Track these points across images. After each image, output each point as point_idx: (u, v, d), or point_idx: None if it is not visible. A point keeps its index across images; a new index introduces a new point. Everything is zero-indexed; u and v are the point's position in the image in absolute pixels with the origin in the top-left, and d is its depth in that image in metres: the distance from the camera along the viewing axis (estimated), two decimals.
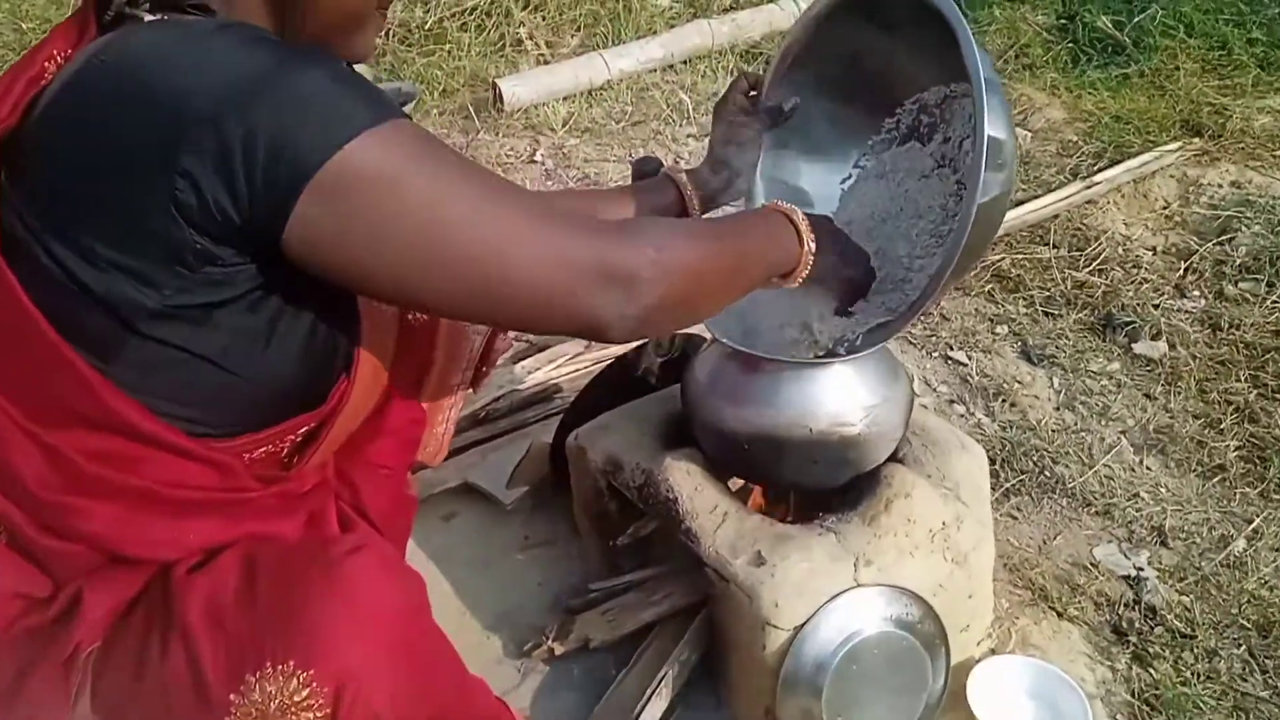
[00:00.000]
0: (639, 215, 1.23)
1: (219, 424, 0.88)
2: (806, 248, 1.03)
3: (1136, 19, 3.08)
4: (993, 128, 1.01)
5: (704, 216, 1.27)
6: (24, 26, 3.47)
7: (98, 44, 0.83)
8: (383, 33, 0.96)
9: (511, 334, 1.89)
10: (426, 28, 3.32)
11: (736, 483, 1.39)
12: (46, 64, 0.84)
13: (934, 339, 2.07)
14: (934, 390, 1.95)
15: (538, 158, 2.89)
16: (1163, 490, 1.71)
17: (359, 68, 1.27)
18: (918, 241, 1.27)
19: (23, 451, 0.82)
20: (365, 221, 0.76)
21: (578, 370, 1.92)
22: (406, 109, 3.00)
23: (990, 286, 2.21)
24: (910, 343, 2.05)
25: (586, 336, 0.87)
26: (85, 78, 0.80)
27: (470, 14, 3.36)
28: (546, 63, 3.31)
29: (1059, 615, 1.47)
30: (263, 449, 0.93)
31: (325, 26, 0.88)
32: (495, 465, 1.68)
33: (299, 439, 0.97)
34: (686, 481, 1.29)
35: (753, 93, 1.29)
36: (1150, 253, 2.32)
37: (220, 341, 0.83)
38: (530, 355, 1.95)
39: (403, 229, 0.77)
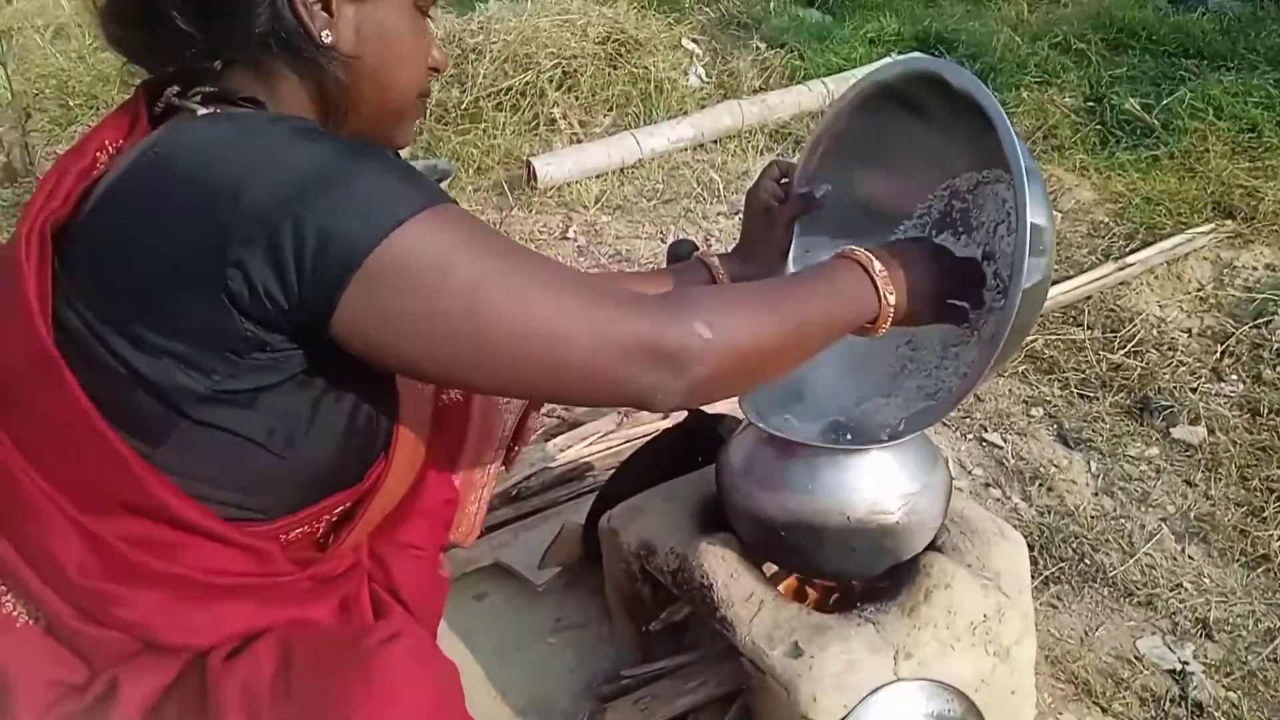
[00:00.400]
0: None
1: (259, 507, 0.88)
2: (885, 301, 0.99)
3: (1165, 101, 3.10)
4: (1035, 215, 1.01)
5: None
6: (71, 103, 3.57)
7: (152, 136, 0.84)
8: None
9: (543, 411, 1.89)
10: (463, 107, 3.39)
11: (771, 567, 1.37)
12: (98, 154, 0.86)
13: (968, 421, 2.06)
14: (969, 473, 1.92)
15: (570, 234, 2.92)
16: (1206, 580, 1.67)
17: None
18: (950, 329, 1.27)
19: (65, 538, 0.82)
20: (413, 306, 0.76)
21: (609, 449, 1.91)
22: (442, 185, 3.05)
23: (1024, 368, 2.20)
24: (944, 424, 2.03)
25: (637, 408, 0.87)
26: (140, 169, 0.82)
27: (506, 94, 3.43)
28: (579, 141, 3.37)
29: (1103, 711, 1.43)
30: (299, 530, 0.93)
31: (367, 118, 0.91)
32: (527, 545, 1.67)
33: (335, 518, 0.97)
34: (721, 568, 1.27)
35: (784, 180, 1.29)
36: (1185, 335, 2.31)
37: (265, 424, 0.83)
38: (562, 433, 1.95)
39: (450, 312, 0.77)
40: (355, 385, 0.88)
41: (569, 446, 1.90)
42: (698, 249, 1.35)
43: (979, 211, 1.29)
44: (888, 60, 3.54)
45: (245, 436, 0.83)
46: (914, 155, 1.30)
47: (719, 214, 3.01)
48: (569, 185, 3.13)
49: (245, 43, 0.86)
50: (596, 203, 3.06)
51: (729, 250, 1.33)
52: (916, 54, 3.63)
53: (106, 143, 0.87)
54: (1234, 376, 2.16)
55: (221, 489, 0.85)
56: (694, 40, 4.00)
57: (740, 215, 2.93)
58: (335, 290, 0.75)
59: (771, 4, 4.32)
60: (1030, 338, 2.26)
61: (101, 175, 0.85)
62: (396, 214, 0.75)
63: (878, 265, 0.99)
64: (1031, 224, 0.99)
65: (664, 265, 1.35)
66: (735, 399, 1.26)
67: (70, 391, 0.79)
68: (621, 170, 3.23)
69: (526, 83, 3.46)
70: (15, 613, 0.85)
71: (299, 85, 0.88)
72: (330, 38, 0.87)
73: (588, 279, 0.85)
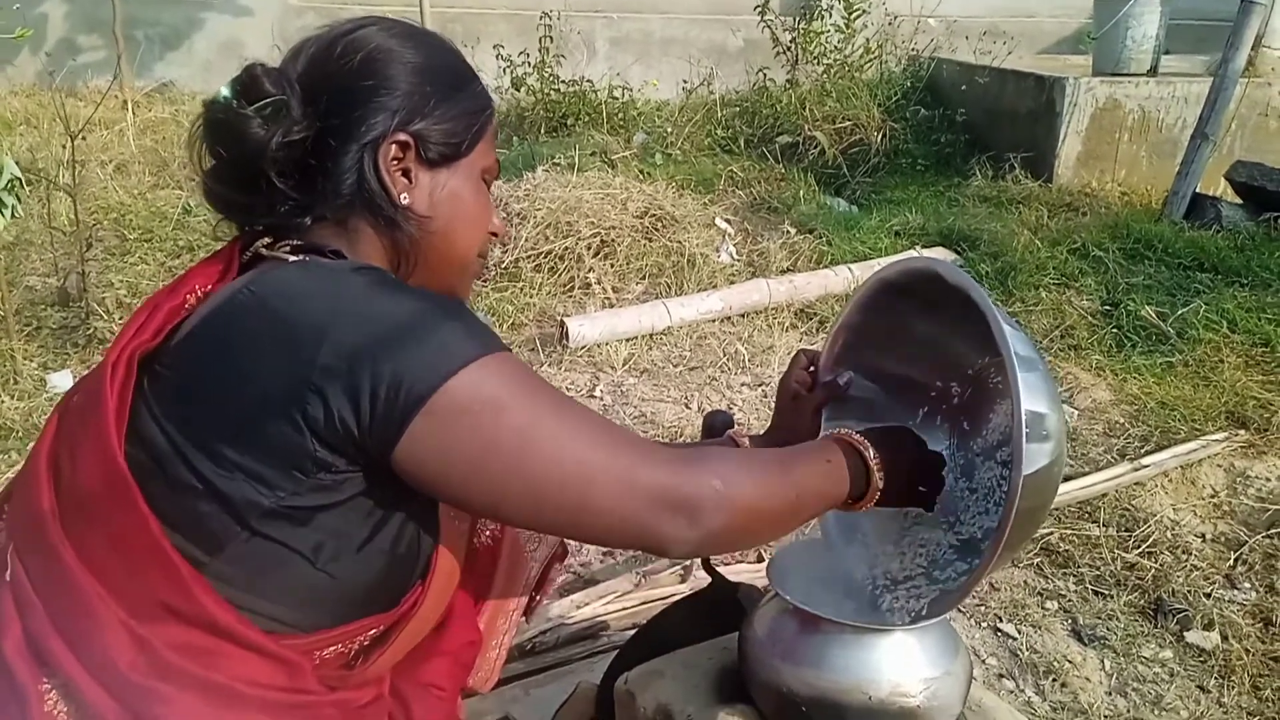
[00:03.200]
0: None
1: (298, 621, 0.92)
2: (874, 482, 1.08)
3: (1180, 311, 3.21)
4: (1031, 402, 1.05)
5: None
6: (127, 236, 3.73)
7: (247, 276, 0.94)
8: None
9: (564, 565, 1.91)
10: (504, 266, 3.54)
11: None
12: (189, 296, 0.95)
13: (983, 609, 2.07)
14: (983, 662, 1.92)
15: (597, 393, 2.99)
16: None
17: None
18: (971, 511, 1.31)
19: (116, 637, 0.86)
20: (468, 442, 0.85)
21: (625, 609, 1.92)
22: None
23: (1040, 560, 2.22)
24: (960, 611, 2.04)
25: (651, 552, 0.95)
26: (235, 304, 0.91)
27: (545, 257, 3.58)
28: (612, 306, 3.49)
29: None
30: (333, 647, 0.96)
31: (432, 271, 1.03)
32: (539, 701, 1.66)
33: (368, 640, 1.00)
34: None
35: (811, 368, 1.38)
36: (1199, 540, 2.33)
37: (316, 540, 0.89)
38: (580, 589, 1.96)
39: (500, 451, 0.86)
40: (403, 512, 0.95)
41: (586, 604, 1.92)
42: (733, 423, 1.42)
43: (993, 399, 1.35)
44: (899, 257, 3.69)
45: (296, 550, 0.89)
46: (930, 345, 1.38)
47: (743, 385, 3.09)
48: (599, 346, 3.22)
49: (332, 202, 0.97)
50: (625, 364, 3.15)
51: (761, 433, 1.40)
52: (915, 253, 3.78)
53: (197, 286, 0.96)
54: (1247, 584, 2.17)
55: (266, 600, 0.90)
56: (727, 220, 4.17)
57: (763, 387, 3.02)
58: (402, 424, 0.84)
59: (801, 191, 4.52)
60: (1045, 530, 2.29)
61: (191, 312, 0.94)
62: (459, 359, 0.85)
63: (872, 451, 1.09)
64: (1029, 411, 1.05)
65: (694, 431, 1.42)
66: (765, 570, 1.29)
67: (136, 505, 0.86)
68: (651, 336, 3.33)
69: (566, 248, 3.61)
70: (56, 710, 0.87)
71: (376, 239, 1.00)
72: (407, 199, 0.99)
73: (623, 431, 0.95)
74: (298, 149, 0.95)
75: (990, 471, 1.34)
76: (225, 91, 0.96)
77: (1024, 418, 1.04)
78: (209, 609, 0.86)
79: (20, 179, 2.48)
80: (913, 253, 3.79)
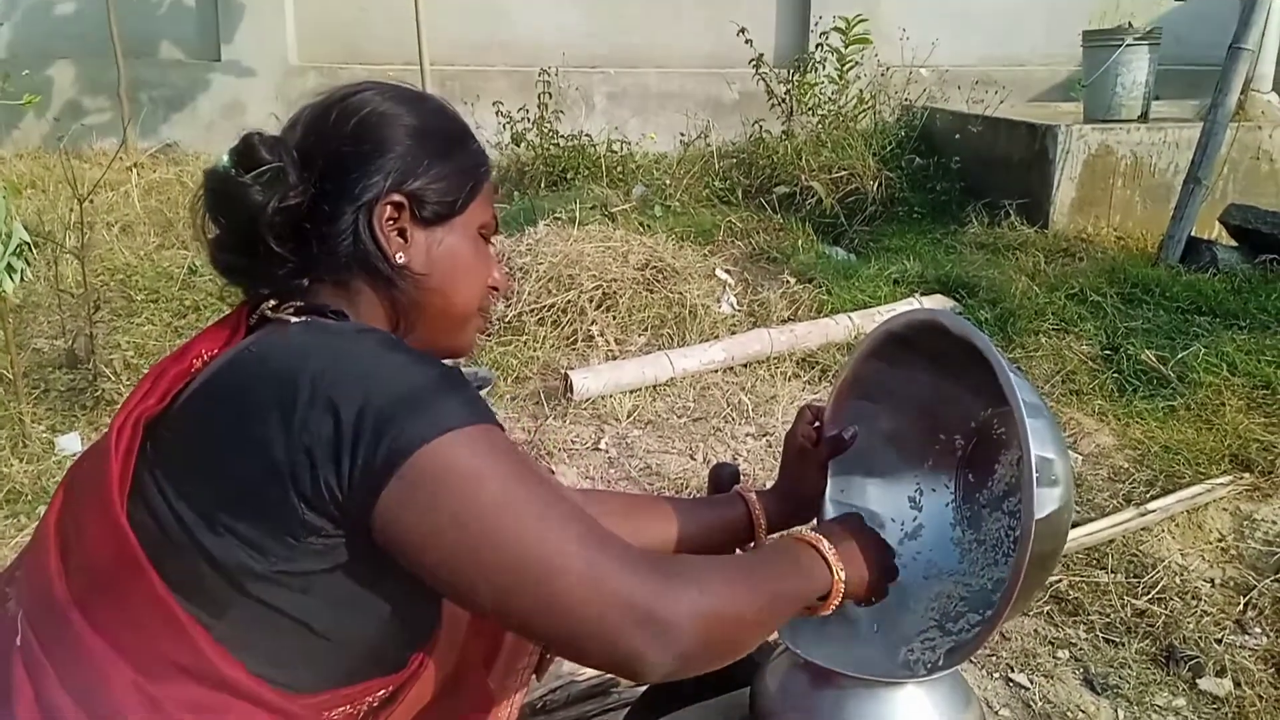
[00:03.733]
0: (708, 529, 1.34)
1: (305, 683, 0.92)
2: (837, 576, 1.10)
3: (1180, 355, 3.23)
4: (1040, 448, 1.07)
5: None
6: (135, 297, 3.76)
7: (250, 338, 0.96)
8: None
9: None
10: (507, 320, 3.57)
11: None
12: (195, 361, 0.97)
13: (994, 659, 2.06)
14: (996, 714, 1.91)
15: (602, 445, 3.00)
16: None
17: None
18: (980, 563, 1.32)
19: (128, 700, 0.86)
20: (440, 512, 0.84)
21: None
22: (482, 392, 3.17)
23: (1049, 608, 2.22)
24: (971, 662, 2.04)
25: (620, 674, 0.92)
26: (236, 364, 0.93)
27: (548, 310, 3.61)
28: (615, 358, 3.51)
29: None
30: (341, 708, 0.96)
31: (432, 327, 1.05)
32: None
33: (376, 701, 1.00)
34: None
35: (816, 423, 1.39)
36: (1209, 584, 2.33)
37: (315, 606, 0.89)
38: None
39: (469, 526, 0.84)
40: (401, 577, 0.93)
41: None
42: (739, 476, 1.43)
43: (997, 451, 1.37)
44: (902, 307, 3.72)
45: (292, 616, 0.89)
46: (934, 397, 1.40)
47: (747, 434, 3.10)
48: (603, 398, 3.24)
49: (331, 263, 1.00)
50: (629, 416, 3.16)
51: (767, 487, 1.42)
52: (915, 301, 3.81)
53: (204, 350, 0.97)
54: (1258, 629, 2.16)
55: (270, 663, 0.90)
56: (727, 270, 4.21)
57: (768, 437, 3.03)
58: (379, 484, 0.83)
59: (799, 241, 4.56)
60: (1055, 577, 2.29)
61: (196, 375, 0.96)
62: (444, 423, 0.85)
63: (826, 545, 1.11)
64: (1038, 456, 1.06)
65: (700, 482, 1.43)
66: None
67: (142, 569, 0.86)
68: (654, 387, 3.35)
69: (568, 301, 3.64)
70: None
71: (375, 298, 1.02)
72: (404, 258, 1.01)
73: (604, 530, 0.90)
74: (295, 213, 0.98)
75: (998, 522, 1.35)
76: (224, 161, 0.98)
77: (1034, 463, 1.05)
78: (219, 666, 0.87)
79: (30, 243, 2.51)
80: (913, 301, 3.82)
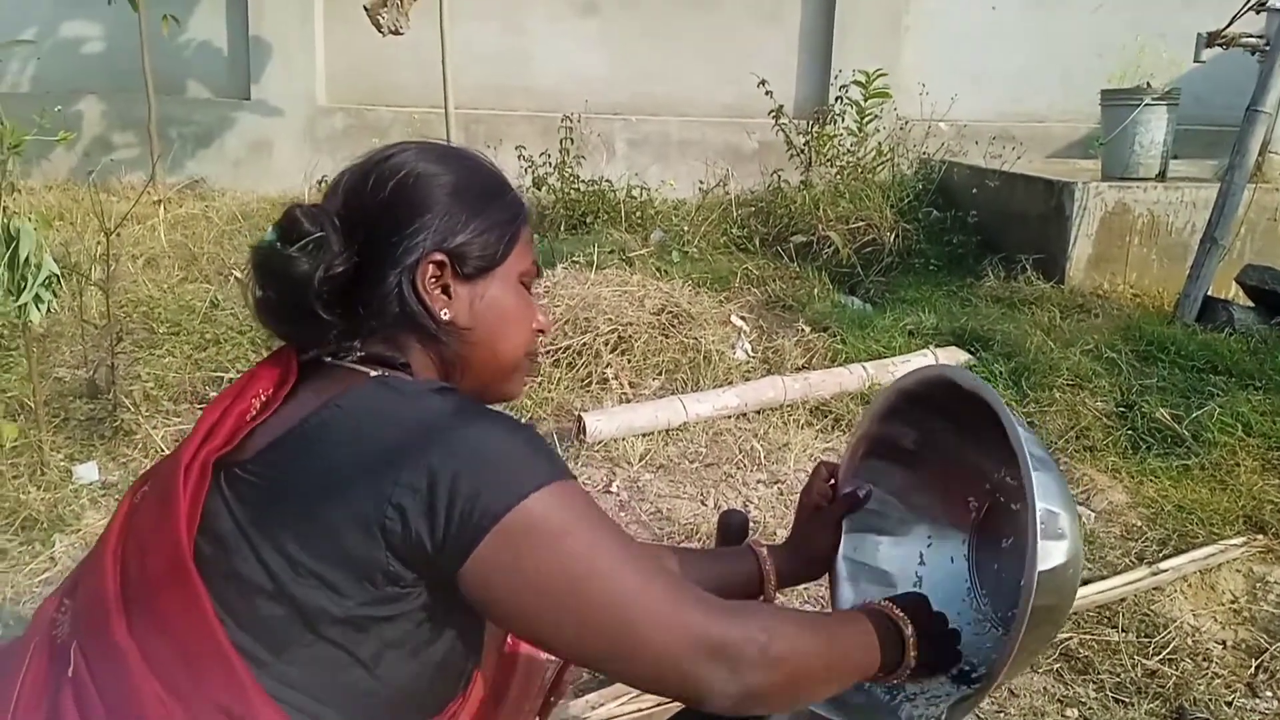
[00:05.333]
0: (718, 582, 1.34)
1: None
2: (909, 657, 1.11)
3: (1194, 414, 3.22)
4: (1045, 500, 1.07)
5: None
6: (156, 330, 3.81)
7: (329, 388, 0.99)
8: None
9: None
10: None
11: None
12: (253, 400, 1.00)
13: (1003, 716, 2.05)
14: None
15: (614, 488, 3.01)
16: None
17: None
18: (986, 622, 1.33)
19: None
20: (531, 566, 0.89)
21: (640, 710, 1.92)
22: None
23: (1059, 666, 2.20)
24: (979, 717, 2.02)
25: (690, 703, 0.96)
26: (324, 419, 0.95)
27: (564, 352, 3.64)
28: (629, 401, 3.53)
29: None
30: None
31: (481, 376, 1.09)
32: None
33: None
34: None
35: (831, 481, 1.41)
36: (1220, 646, 2.31)
37: (376, 650, 0.93)
38: (595, 689, 1.96)
39: (559, 577, 0.90)
40: (455, 628, 0.98)
41: (601, 704, 1.91)
42: (748, 523, 1.44)
43: (1010, 512, 1.37)
44: (916, 359, 3.73)
45: (356, 657, 0.92)
46: (948, 455, 1.41)
47: (759, 481, 3.10)
48: (616, 441, 3.25)
49: (379, 323, 1.03)
50: (641, 460, 3.17)
51: (779, 542, 1.43)
52: (929, 354, 3.81)
53: (260, 390, 1.01)
54: (1269, 693, 2.14)
55: (319, 702, 0.92)
56: (742, 317, 4.24)
57: (779, 485, 3.04)
58: (474, 542, 0.88)
59: (815, 290, 4.59)
60: (1065, 635, 2.28)
61: (259, 415, 0.99)
62: (532, 483, 0.89)
63: (909, 630, 1.12)
64: (1043, 509, 1.07)
65: (710, 528, 1.45)
66: None
67: (202, 607, 0.89)
68: (667, 431, 3.36)
69: (584, 344, 3.67)
70: None
71: (424, 353, 1.05)
72: (448, 315, 1.05)
73: (674, 574, 0.99)
74: (341, 280, 1.01)
75: (1009, 582, 1.35)
76: (269, 235, 1.02)
77: (1038, 514, 1.06)
78: (261, 713, 0.88)
79: (58, 275, 2.55)
80: (926, 354, 3.83)
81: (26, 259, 2.50)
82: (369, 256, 1.02)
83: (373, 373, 0.99)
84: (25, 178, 5.17)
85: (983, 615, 1.36)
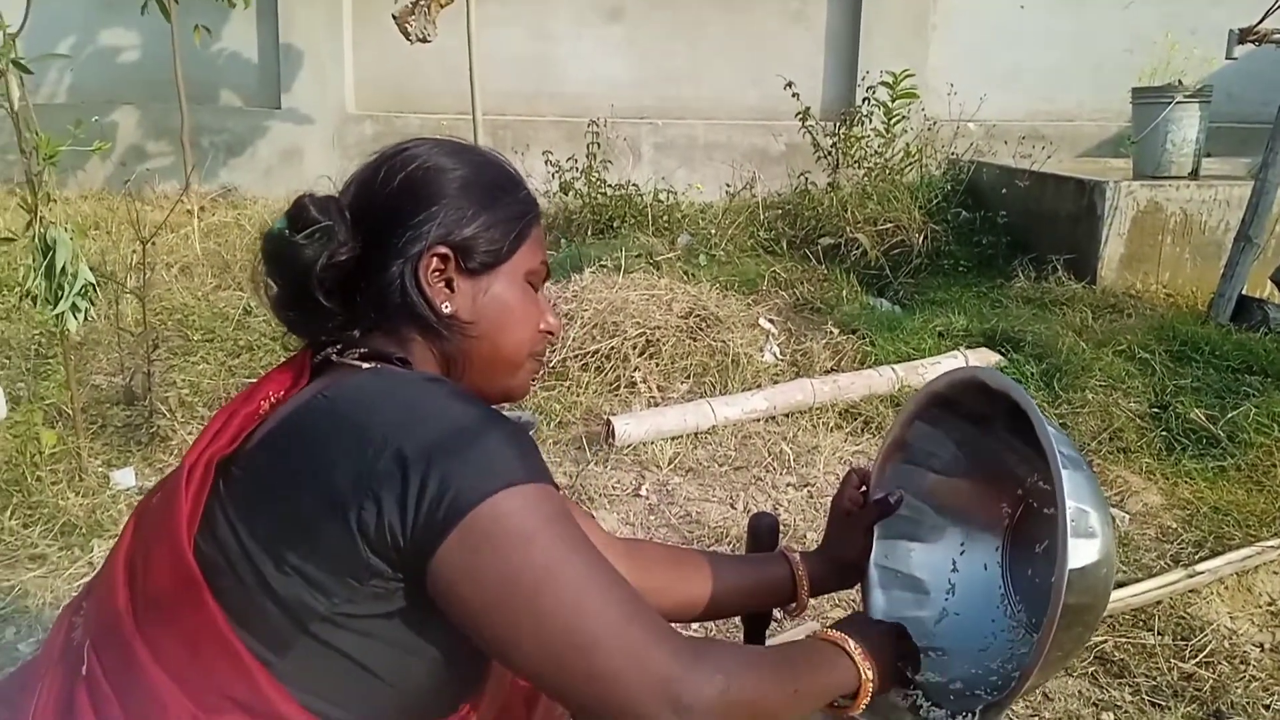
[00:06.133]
0: (749, 588, 1.35)
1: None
2: (865, 676, 1.09)
3: (1230, 415, 3.18)
4: (1076, 498, 1.06)
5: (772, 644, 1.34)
6: (191, 337, 3.86)
7: (323, 382, 1.00)
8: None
9: None
10: (552, 366, 3.61)
11: None
12: (263, 402, 1.01)
13: (1036, 719, 2.03)
14: None
15: (643, 492, 3.02)
16: None
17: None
18: (1021, 629, 1.32)
19: None
20: (490, 571, 0.86)
21: None
22: None
23: (1094, 669, 2.18)
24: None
25: None
26: (309, 409, 0.96)
27: (592, 356, 3.65)
28: (657, 405, 3.53)
29: None
30: None
31: (482, 373, 1.08)
32: None
33: None
34: None
35: (862, 488, 1.40)
36: (1258, 649, 2.28)
37: (373, 649, 0.92)
38: None
39: (517, 588, 0.87)
40: (452, 626, 0.94)
41: None
42: (778, 526, 1.44)
43: (1042, 518, 1.36)
44: (946, 361, 3.71)
45: (353, 657, 0.91)
46: (980, 460, 1.40)
47: (788, 485, 3.09)
48: (645, 445, 3.26)
49: (381, 314, 1.03)
50: (670, 464, 3.17)
51: (812, 548, 1.42)
52: (959, 355, 3.79)
53: (271, 393, 1.01)
54: None
55: (328, 703, 0.92)
56: (770, 320, 4.23)
57: (809, 488, 3.03)
58: (441, 534, 0.86)
59: (844, 292, 4.57)
60: (1100, 638, 2.26)
61: (267, 416, 0.99)
62: (504, 479, 0.87)
63: (853, 644, 1.10)
64: (1074, 506, 1.05)
65: (740, 531, 1.44)
66: None
67: (206, 604, 0.89)
68: (696, 435, 3.36)
69: (612, 348, 3.68)
70: None
71: (425, 346, 1.05)
72: (450, 308, 1.04)
73: (643, 601, 0.92)
74: (345, 268, 1.02)
75: (1042, 587, 1.34)
76: (278, 224, 1.03)
77: (1069, 512, 1.05)
78: (275, 703, 0.89)
79: (94, 284, 2.59)
80: (957, 355, 3.80)
81: (63, 268, 2.54)
82: (374, 246, 1.02)
83: (365, 365, 0.99)
84: (61, 187, 5.25)
85: (1018, 622, 1.36)
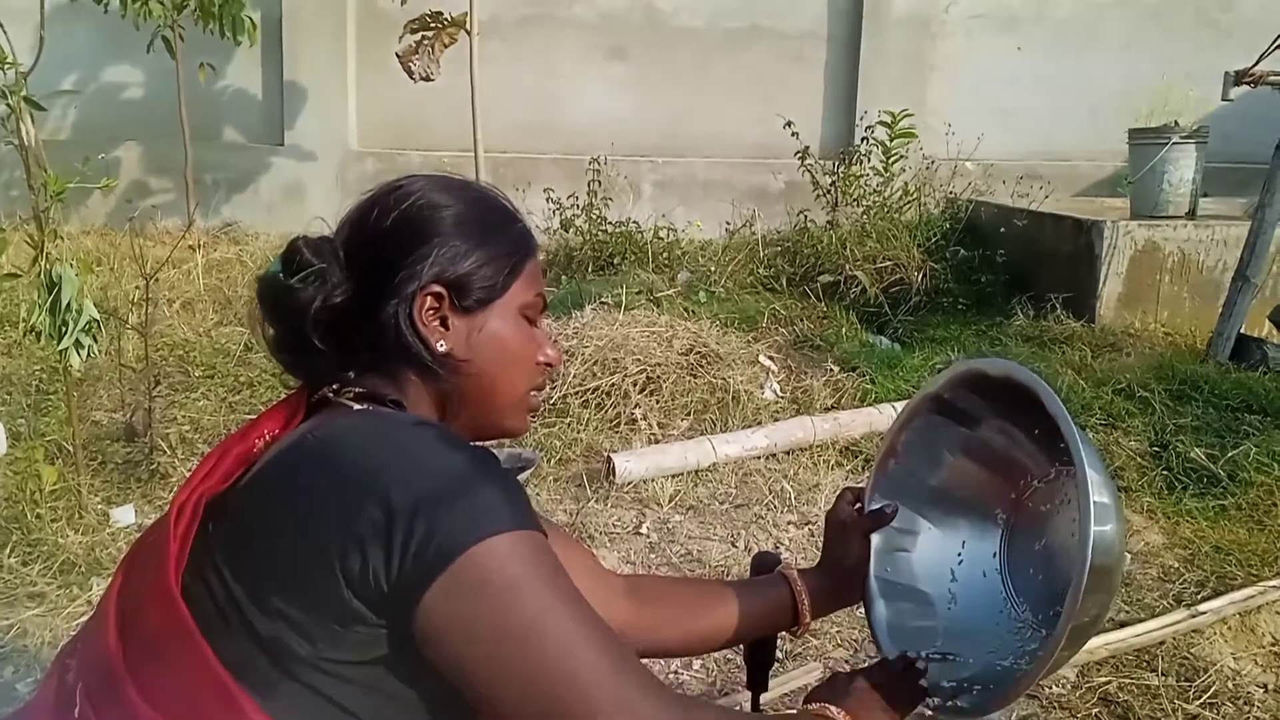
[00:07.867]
0: (751, 612, 1.34)
1: None
2: None
3: (1230, 454, 3.19)
4: (1095, 483, 1.07)
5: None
6: (192, 373, 3.87)
7: (312, 421, 1.00)
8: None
9: None
10: (552, 403, 3.61)
11: None
12: (257, 440, 1.00)
13: None
14: None
15: (643, 530, 3.01)
16: None
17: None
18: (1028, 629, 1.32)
19: None
20: (478, 614, 0.85)
21: None
22: (526, 475, 3.20)
23: (1098, 710, 2.17)
24: None
25: None
26: (298, 448, 0.96)
27: (593, 393, 3.66)
28: (658, 442, 3.53)
29: None
30: None
31: (479, 410, 1.07)
32: None
33: None
34: None
35: (857, 505, 1.41)
36: (1261, 690, 2.27)
37: (355, 694, 0.90)
38: None
39: (503, 641, 0.86)
40: (437, 676, 0.93)
41: None
42: (781, 562, 1.44)
43: (1039, 520, 1.37)
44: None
45: (339, 704, 0.90)
46: (974, 466, 1.41)
47: (789, 523, 3.09)
48: (645, 482, 3.25)
49: (378, 355, 1.03)
50: (670, 501, 3.17)
51: (811, 566, 1.42)
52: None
53: (265, 432, 1.01)
54: None
55: None
56: (770, 357, 4.24)
57: (809, 526, 3.02)
58: (426, 581, 0.85)
59: (843, 329, 4.59)
60: (1103, 679, 2.25)
61: (259, 455, 0.99)
62: (490, 526, 0.86)
63: (835, 709, 1.09)
64: (1093, 481, 1.06)
65: (742, 570, 1.44)
66: None
67: (197, 646, 0.88)
68: (696, 472, 3.36)
69: (613, 384, 3.68)
70: None
71: (421, 385, 1.04)
72: (445, 346, 1.04)
73: (631, 654, 0.92)
74: (339, 310, 1.01)
75: (1041, 589, 1.35)
76: (272, 266, 1.03)
77: (1089, 477, 1.05)
78: None
79: (98, 321, 2.60)
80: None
81: (68, 304, 2.55)
82: (369, 286, 1.02)
83: (358, 406, 0.99)
84: (64, 222, 5.27)
85: (1023, 622, 1.36)
